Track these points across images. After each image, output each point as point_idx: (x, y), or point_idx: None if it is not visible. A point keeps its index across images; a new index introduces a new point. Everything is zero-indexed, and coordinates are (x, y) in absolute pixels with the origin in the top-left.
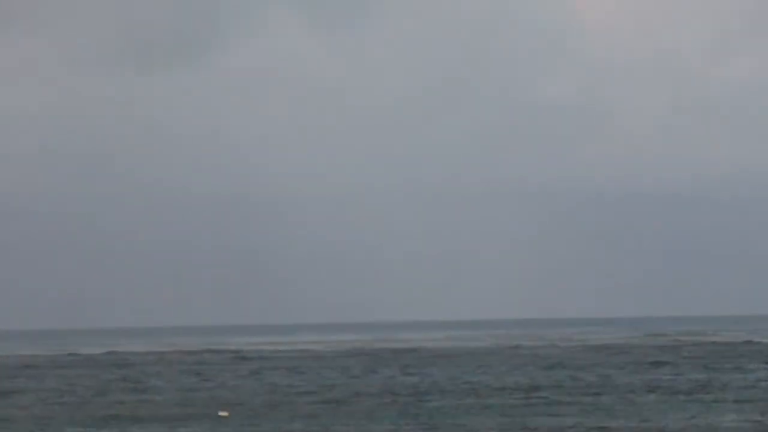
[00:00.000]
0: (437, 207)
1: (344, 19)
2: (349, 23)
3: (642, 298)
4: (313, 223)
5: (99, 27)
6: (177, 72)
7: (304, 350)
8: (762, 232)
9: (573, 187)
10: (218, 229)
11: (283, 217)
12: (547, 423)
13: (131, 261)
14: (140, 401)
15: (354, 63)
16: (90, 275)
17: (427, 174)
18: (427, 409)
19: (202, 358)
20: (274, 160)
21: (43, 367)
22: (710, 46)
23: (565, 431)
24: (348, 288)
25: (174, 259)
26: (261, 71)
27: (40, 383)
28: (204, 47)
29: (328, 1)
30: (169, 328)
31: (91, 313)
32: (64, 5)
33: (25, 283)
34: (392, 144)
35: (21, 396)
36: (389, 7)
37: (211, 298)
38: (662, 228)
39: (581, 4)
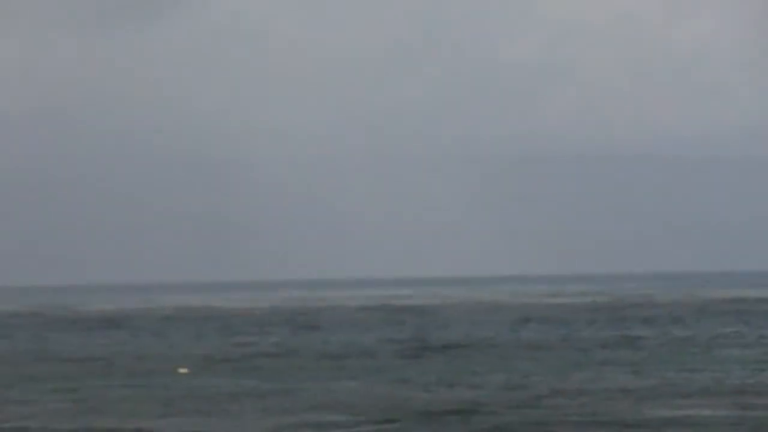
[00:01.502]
0: (396, 167)
1: None
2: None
3: (600, 257)
4: (273, 184)
5: None
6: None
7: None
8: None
9: (527, 146)
10: (181, 191)
11: (246, 177)
12: None
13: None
14: None
15: (316, 20)
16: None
17: (386, 134)
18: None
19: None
20: (234, 121)
21: None
22: (666, 8)
23: None
24: (303, 246)
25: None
26: (223, 30)
27: None
28: (167, 6)
29: None
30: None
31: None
32: None
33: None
34: (353, 102)
35: None
36: None
37: (186, 255)
38: (612, 188)
39: None
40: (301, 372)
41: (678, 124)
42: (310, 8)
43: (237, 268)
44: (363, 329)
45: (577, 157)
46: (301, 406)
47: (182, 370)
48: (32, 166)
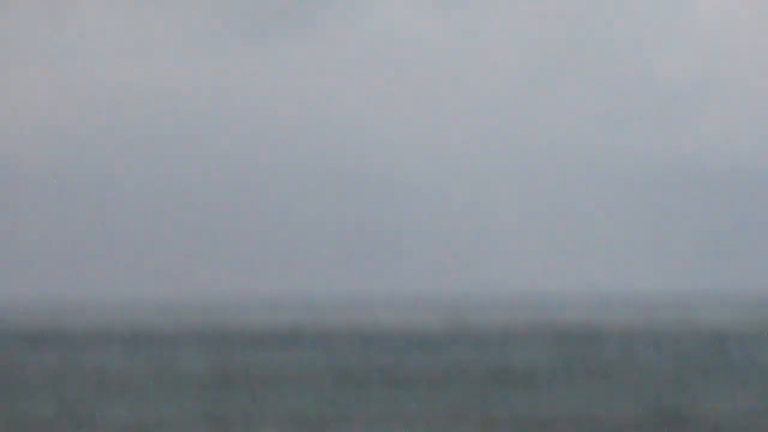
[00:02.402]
0: (542, 185)
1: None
2: (464, 3)
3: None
4: (419, 199)
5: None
6: (287, 43)
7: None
8: None
9: (685, 164)
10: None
11: (390, 195)
12: None
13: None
14: None
15: (467, 43)
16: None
17: (539, 149)
18: None
19: None
20: (383, 137)
21: None
22: None
23: None
24: (443, 259)
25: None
26: (374, 48)
27: None
28: (317, 20)
29: None
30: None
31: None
32: None
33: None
34: (503, 123)
35: None
36: None
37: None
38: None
39: None
40: None
41: None
42: (458, 21)
43: (390, 281)
44: None
45: (731, 172)
46: None
47: None
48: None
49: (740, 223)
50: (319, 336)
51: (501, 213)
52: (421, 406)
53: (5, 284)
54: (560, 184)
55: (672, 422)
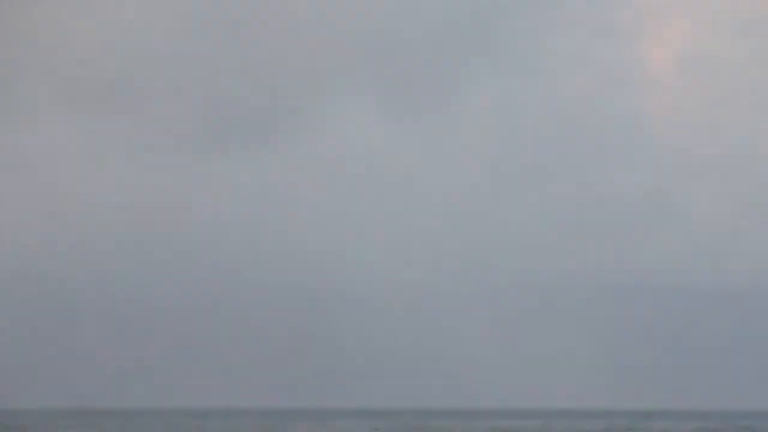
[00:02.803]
0: (509, 297)
1: (418, 109)
2: (424, 111)
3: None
4: (378, 312)
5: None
6: (244, 155)
7: None
8: None
9: (647, 281)
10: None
11: (351, 305)
12: None
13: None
14: None
15: (426, 151)
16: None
17: (498, 264)
18: None
19: None
20: (343, 249)
21: None
22: None
23: None
24: (412, 374)
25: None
26: (332, 159)
27: None
28: (275, 132)
29: (402, 89)
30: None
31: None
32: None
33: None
34: (463, 233)
35: None
36: (465, 96)
37: (273, 380)
38: (728, 325)
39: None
40: None
41: None
42: (423, 143)
43: (339, 393)
44: None
45: (679, 291)
46: None
47: None
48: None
49: (697, 339)
50: None
51: (463, 328)
52: None
53: None
54: (518, 298)
55: None
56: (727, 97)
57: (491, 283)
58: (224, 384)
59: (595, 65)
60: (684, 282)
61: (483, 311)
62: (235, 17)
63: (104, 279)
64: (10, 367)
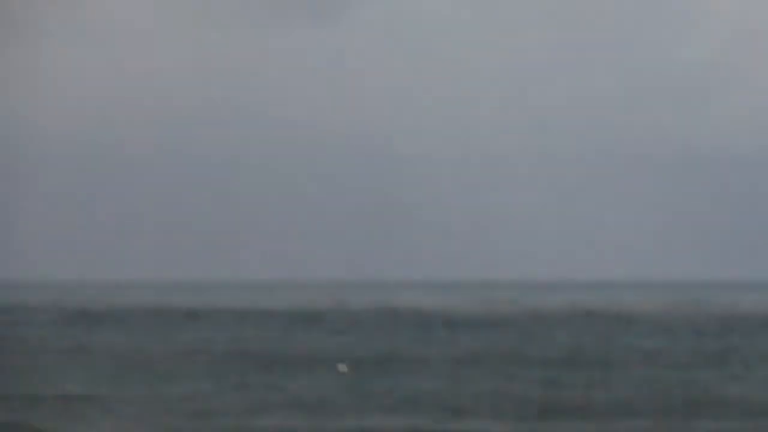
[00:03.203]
0: (568, 170)
1: None
2: None
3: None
4: (438, 182)
5: None
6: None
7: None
8: None
9: (708, 147)
10: (351, 181)
11: (414, 174)
12: None
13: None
14: None
15: (483, 23)
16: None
17: (554, 136)
18: None
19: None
20: (400, 118)
21: None
22: None
23: None
24: (472, 247)
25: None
26: (396, 28)
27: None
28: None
29: None
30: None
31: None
32: None
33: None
34: (521, 106)
35: None
36: None
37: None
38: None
39: None
40: None
41: None
42: (480, 14)
43: (413, 265)
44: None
45: (742, 158)
46: None
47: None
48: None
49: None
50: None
51: (516, 197)
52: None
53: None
54: (577, 167)
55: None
56: None
57: (559, 153)
58: (292, 253)
59: None
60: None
61: (549, 182)
62: None
63: (173, 142)
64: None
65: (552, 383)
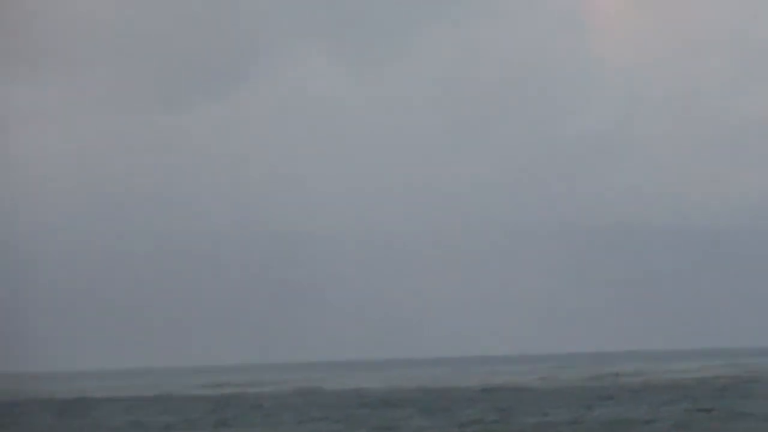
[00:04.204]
0: (467, 243)
1: (373, 57)
2: (377, 61)
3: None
4: (333, 260)
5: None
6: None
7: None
8: None
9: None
10: (251, 263)
11: (308, 253)
12: None
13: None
14: None
15: (380, 100)
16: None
17: (453, 209)
18: None
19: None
20: (297, 198)
21: None
22: (731, 82)
23: None
24: (371, 326)
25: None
26: (288, 107)
27: None
28: (233, 82)
29: (357, 39)
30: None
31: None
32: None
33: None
34: (416, 181)
35: None
36: (418, 45)
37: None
38: (683, 262)
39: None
40: None
41: (737, 195)
42: (377, 91)
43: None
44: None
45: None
46: None
47: None
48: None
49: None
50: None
51: (418, 275)
52: None
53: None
54: (474, 246)
55: None
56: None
57: (461, 228)
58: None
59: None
60: (646, 220)
61: (455, 255)
62: None
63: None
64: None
65: None
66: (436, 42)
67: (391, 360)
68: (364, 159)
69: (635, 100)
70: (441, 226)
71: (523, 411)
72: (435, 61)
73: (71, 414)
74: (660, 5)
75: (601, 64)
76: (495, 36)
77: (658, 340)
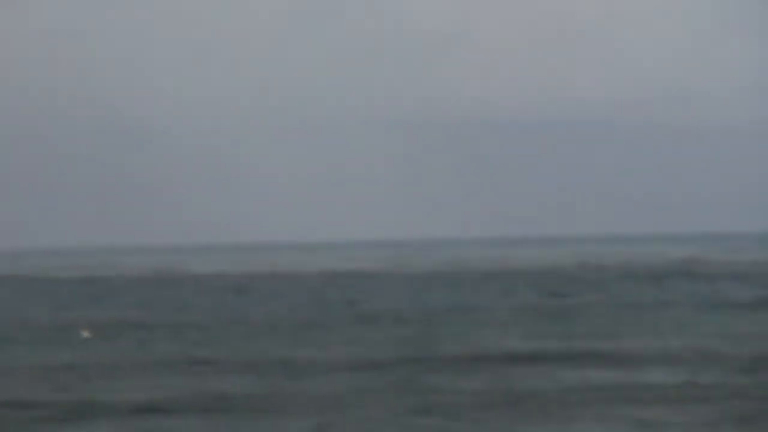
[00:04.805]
0: (297, 131)
1: None
2: None
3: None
4: (173, 146)
5: None
6: None
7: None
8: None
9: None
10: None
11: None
12: None
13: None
14: None
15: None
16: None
17: (285, 96)
18: None
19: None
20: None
21: None
22: None
23: None
24: (218, 209)
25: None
26: None
27: None
28: None
29: None
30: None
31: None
32: None
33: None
34: (250, 63)
35: None
36: None
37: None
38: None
39: None
40: None
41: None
42: None
43: (141, 231)
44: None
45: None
46: None
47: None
48: None
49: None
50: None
51: (246, 164)
52: None
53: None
54: (312, 133)
55: None
56: None
57: (290, 119)
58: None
59: None
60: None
61: (284, 148)
62: None
63: None
64: None
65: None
66: None
67: (244, 244)
68: (200, 46)
69: None
70: (266, 111)
71: (365, 299)
72: None
73: None
74: None
75: None
76: None
77: (504, 227)
